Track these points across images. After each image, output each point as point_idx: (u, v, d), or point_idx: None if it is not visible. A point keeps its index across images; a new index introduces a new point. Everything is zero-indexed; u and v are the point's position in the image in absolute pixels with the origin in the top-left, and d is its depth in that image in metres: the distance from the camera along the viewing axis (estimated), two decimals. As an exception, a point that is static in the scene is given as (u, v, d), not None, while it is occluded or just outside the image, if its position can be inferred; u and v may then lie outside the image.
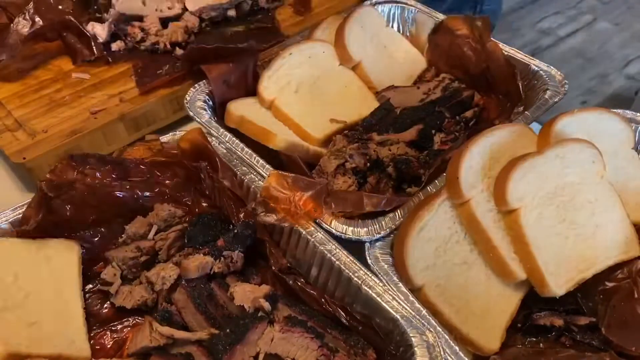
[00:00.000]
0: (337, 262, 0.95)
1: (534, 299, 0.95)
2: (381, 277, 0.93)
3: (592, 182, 1.01)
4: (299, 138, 1.20)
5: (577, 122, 1.08)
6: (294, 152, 1.15)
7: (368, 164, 1.11)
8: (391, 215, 1.00)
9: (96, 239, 1.08)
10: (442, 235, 0.98)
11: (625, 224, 1.01)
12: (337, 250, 0.96)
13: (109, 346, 0.96)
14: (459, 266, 0.97)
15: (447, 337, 0.86)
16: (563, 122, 1.06)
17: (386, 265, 0.94)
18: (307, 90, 1.28)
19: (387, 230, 0.97)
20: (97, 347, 0.96)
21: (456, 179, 0.98)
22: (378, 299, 0.90)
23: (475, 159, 1.01)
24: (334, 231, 0.98)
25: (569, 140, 1.02)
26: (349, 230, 0.98)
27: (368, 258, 0.95)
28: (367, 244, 0.96)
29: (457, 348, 0.85)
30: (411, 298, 0.90)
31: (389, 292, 0.90)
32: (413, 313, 0.88)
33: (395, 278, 0.93)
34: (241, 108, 1.23)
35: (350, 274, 0.93)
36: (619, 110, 1.15)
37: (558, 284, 0.93)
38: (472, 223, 0.98)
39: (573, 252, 0.96)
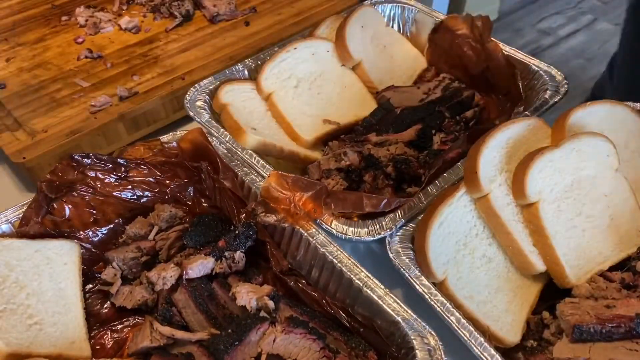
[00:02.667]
0: (338, 264, 0.94)
1: (552, 291, 0.97)
2: (403, 271, 0.93)
3: (607, 175, 1.02)
4: (271, 139, 1.18)
5: (589, 114, 1.08)
6: (264, 152, 1.15)
7: (362, 163, 1.11)
8: (391, 215, 0.99)
9: (96, 239, 1.07)
10: (462, 229, 0.99)
11: (637, 216, 1.02)
12: (339, 252, 0.96)
13: (109, 346, 0.96)
14: (479, 259, 0.98)
15: (472, 328, 0.87)
16: (576, 115, 1.07)
17: (407, 259, 0.95)
18: (306, 87, 1.29)
19: (388, 230, 0.97)
20: (97, 347, 0.95)
21: (475, 173, 0.98)
22: (379, 301, 0.89)
23: (493, 153, 1.02)
24: (334, 232, 0.98)
25: (585, 134, 1.02)
26: (349, 231, 0.97)
27: (390, 252, 0.96)
28: (387, 239, 0.97)
29: (482, 339, 0.86)
30: (434, 291, 0.91)
31: (390, 294, 0.90)
32: (414, 316, 0.87)
33: (417, 272, 0.93)
34: (231, 94, 1.23)
35: (352, 276, 0.93)
36: (630, 103, 1.15)
37: (577, 276, 0.94)
38: (491, 216, 0.98)
39: (590, 244, 0.98)
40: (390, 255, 0.95)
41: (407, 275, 0.93)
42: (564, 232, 0.97)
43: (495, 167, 1.01)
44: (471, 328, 0.87)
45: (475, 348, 0.85)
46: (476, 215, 1.00)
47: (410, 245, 0.98)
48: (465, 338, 0.86)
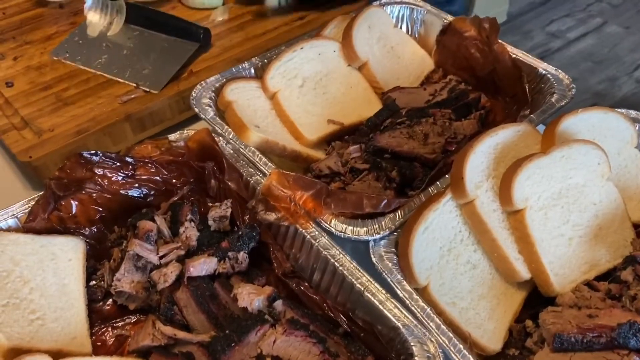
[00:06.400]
0: (340, 268, 0.94)
1: (537, 299, 0.96)
2: (385, 276, 0.92)
3: (597, 183, 1.00)
4: (274, 137, 1.18)
5: (581, 121, 1.07)
6: (267, 150, 1.15)
7: (366, 157, 1.11)
8: (391, 215, 0.99)
9: (102, 236, 1.07)
10: (447, 235, 0.98)
11: (626, 226, 1.01)
12: (341, 255, 0.95)
13: (110, 343, 0.96)
14: (463, 265, 0.97)
15: (451, 334, 0.86)
16: (567, 122, 1.06)
17: (390, 264, 0.94)
18: (311, 87, 1.29)
19: (387, 230, 0.96)
20: (98, 343, 0.96)
21: (461, 178, 0.97)
22: (380, 306, 0.89)
23: (480, 159, 1.00)
24: (333, 230, 0.97)
25: (575, 141, 1.01)
26: (348, 230, 0.97)
27: (372, 256, 0.95)
28: (371, 243, 0.96)
29: (461, 346, 0.85)
30: (415, 296, 0.90)
31: (391, 299, 0.89)
32: (415, 322, 0.86)
33: (399, 276, 0.92)
34: (236, 92, 1.24)
35: (353, 280, 0.92)
36: (623, 110, 1.14)
37: (562, 284, 0.93)
38: (477, 223, 0.97)
39: (576, 253, 0.96)
40: (373, 259, 0.94)
41: (389, 279, 0.92)
42: (550, 240, 0.95)
43: (482, 173, 1.00)
44: (451, 335, 0.86)
45: (454, 355, 0.84)
46: (462, 221, 0.99)
47: (394, 249, 0.96)
48: (444, 345, 0.85)
